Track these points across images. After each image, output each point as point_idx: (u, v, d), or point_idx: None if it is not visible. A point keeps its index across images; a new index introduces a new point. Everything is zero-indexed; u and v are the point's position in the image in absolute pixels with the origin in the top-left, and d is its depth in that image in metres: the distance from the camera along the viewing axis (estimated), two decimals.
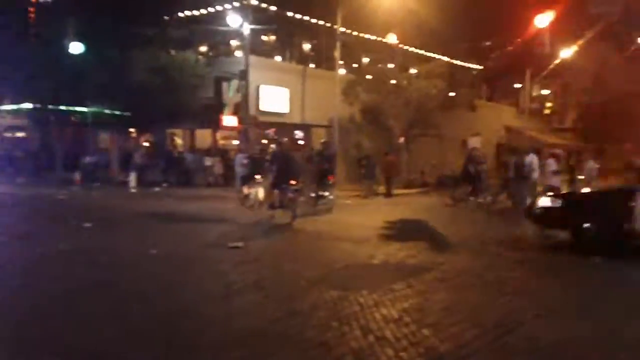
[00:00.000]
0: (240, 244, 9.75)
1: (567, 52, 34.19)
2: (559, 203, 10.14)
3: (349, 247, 9.80)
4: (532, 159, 15.84)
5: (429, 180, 28.15)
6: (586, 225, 9.32)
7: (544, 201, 10.42)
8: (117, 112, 25.24)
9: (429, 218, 14.21)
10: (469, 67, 32.86)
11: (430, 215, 15.07)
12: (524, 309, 6.07)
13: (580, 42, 32.70)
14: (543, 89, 42.71)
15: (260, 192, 15.14)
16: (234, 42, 28.99)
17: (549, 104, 43.76)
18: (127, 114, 24.91)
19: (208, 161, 25.49)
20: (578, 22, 32.54)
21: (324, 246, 10.14)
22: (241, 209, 15.03)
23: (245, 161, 17.10)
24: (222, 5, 24.99)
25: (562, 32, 32.53)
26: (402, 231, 12.24)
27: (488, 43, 35.32)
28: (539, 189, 15.20)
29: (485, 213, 15.98)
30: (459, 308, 6.08)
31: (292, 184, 12.94)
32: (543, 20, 30.99)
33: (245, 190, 15.81)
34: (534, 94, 41.44)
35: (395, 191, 23.00)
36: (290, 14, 25.77)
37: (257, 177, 15.57)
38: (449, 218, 14.96)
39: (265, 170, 15.11)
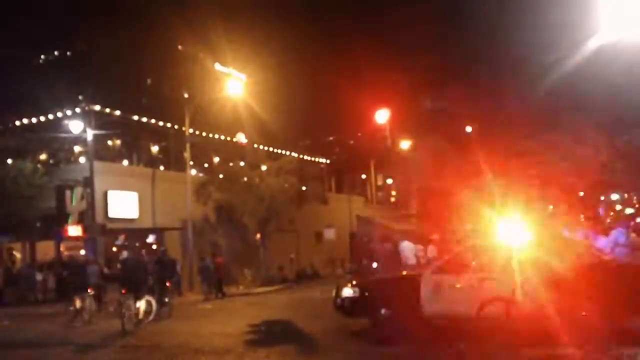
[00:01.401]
0: None
1: (405, 144, 37.25)
2: (358, 291, 10.28)
3: None
4: (406, 245, 16.55)
5: (289, 275, 28.15)
6: (384, 311, 9.63)
7: (347, 291, 10.48)
8: None
9: (293, 316, 13.93)
10: (316, 162, 34.33)
11: (295, 312, 14.81)
12: None
13: (416, 133, 35.85)
14: (387, 178, 45.60)
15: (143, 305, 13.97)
16: (77, 148, 27.72)
17: (393, 193, 46.69)
18: None
19: (39, 275, 23.13)
20: (415, 116, 35.76)
21: None
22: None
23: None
24: (63, 111, 24.01)
25: (401, 125, 35.55)
26: (267, 335, 11.79)
27: (331, 138, 37.40)
28: None
29: None
30: None
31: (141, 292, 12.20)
32: (382, 115, 33.75)
33: (78, 303, 14.57)
34: (379, 183, 44.09)
35: (256, 289, 22.67)
36: (135, 117, 25.36)
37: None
38: (311, 314, 14.79)
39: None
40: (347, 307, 10.38)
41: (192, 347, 10.37)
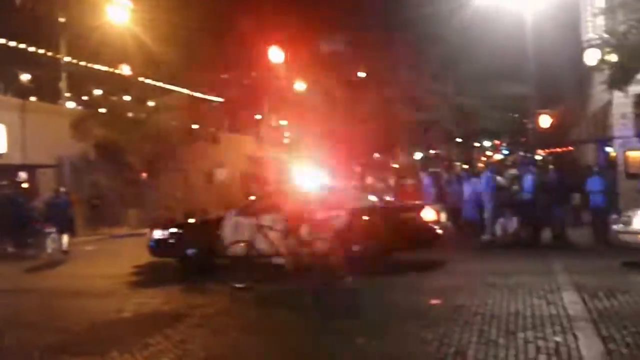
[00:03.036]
0: None
1: (300, 85, 36.84)
2: (167, 233, 11.02)
3: (93, 303, 8.60)
4: None
5: (177, 216, 27.37)
6: (190, 250, 10.49)
7: (157, 233, 11.20)
8: None
9: None
10: (209, 100, 33.10)
11: None
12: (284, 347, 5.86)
13: (311, 76, 35.57)
14: (281, 119, 45.21)
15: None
16: None
17: (287, 134, 46.46)
18: None
19: None
20: (311, 56, 35.32)
21: (62, 305, 8.64)
22: None
23: None
24: None
25: (296, 65, 34.98)
26: (154, 275, 11.31)
27: (225, 76, 36.15)
28: None
29: None
30: (220, 354, 5.64)
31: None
32: (277, 55, 32.96)
33: None
34: (273, 124, 43.64)
35: (142, 230, 21.79)
36: (1, 40, 22.72)
37: None
38: None
39: None
40: (157, 249, 11.07)
41: (71, 289, 9.73)
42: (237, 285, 8.79)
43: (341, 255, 9.43)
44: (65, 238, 15.27)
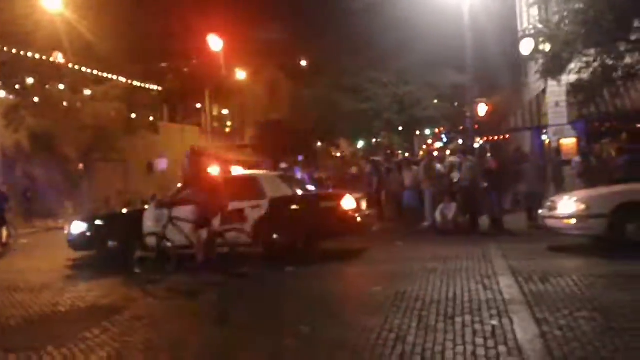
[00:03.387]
0: None
1: (241, 74, 36.46)
2: (86, 227, 11.17)
3: (26, 297, 8.27)
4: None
5: (116, 207, 26.64)
6: (111, 243, 10.66)
7: (75, 226, 11.33)
8: None
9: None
10: (147, 89, 32.23)
11: None
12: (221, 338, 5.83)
13: (252, 65, 35.27)
14: (223, 108, 44.65)
15: None
16: None
17: (229, 123, 45.94)
18: None
19: None
20: (251, 46, 34.99)
21: None
22: None
23: None
24: None
25: (237, 54, 34.57)
26: (92, 268, 11.00)
27: (164, 64, 35.31)
28: None
29: None
30: (161, 346, 5.55)
31: None
32: (216, 43, 32.37)
33: None
34: (215, 113, 43.03)
35: None
36: None
37: None
38: None
39: None
40: (76, 242, 11.14)
41: (5, 284, 9.32)
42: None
43: (259, 245, 9.82)
44: (4, 231, 14.79)
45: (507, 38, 21.61)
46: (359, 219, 10.15)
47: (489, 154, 13.80)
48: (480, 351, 4.71)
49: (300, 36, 36.47)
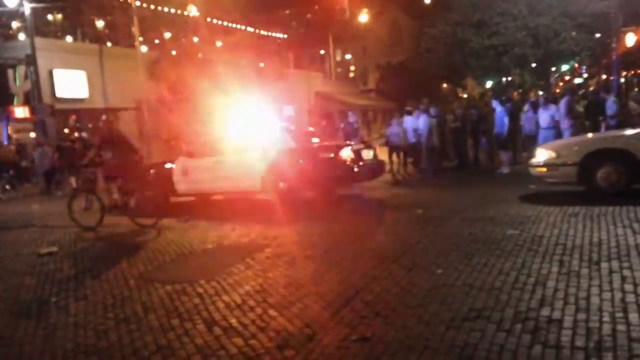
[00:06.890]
0: (54, 248, 8.64)
1: (364, 17, 35.90)
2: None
3: (176, 236, 9.09)
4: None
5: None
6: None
7: None
8: None
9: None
10: (273, 37, 32.95)
11: None
12: (357, 274, 5.99)
13: (375, 5, 34.57)
14: (346, 53, 44.53)
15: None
16: (14, 24, 25.69)
17: (352, 68, 45.83)
18: None
19: None
20: None
21: (148, 240, 9.21)
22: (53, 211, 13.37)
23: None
24: None
25: None
26: (233, 211, 11.72)
27: (287, 12, 35.72)
28: None
29: None
30: (300, 282, 5.85)
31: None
32: None
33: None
34: (338, 58, 43.07)
35: None
36: None
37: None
38: None
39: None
40: None
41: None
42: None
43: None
44: None
45: None
46: (355, 169, 10.58)
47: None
48: (630, 298, 4.47)
49: None
